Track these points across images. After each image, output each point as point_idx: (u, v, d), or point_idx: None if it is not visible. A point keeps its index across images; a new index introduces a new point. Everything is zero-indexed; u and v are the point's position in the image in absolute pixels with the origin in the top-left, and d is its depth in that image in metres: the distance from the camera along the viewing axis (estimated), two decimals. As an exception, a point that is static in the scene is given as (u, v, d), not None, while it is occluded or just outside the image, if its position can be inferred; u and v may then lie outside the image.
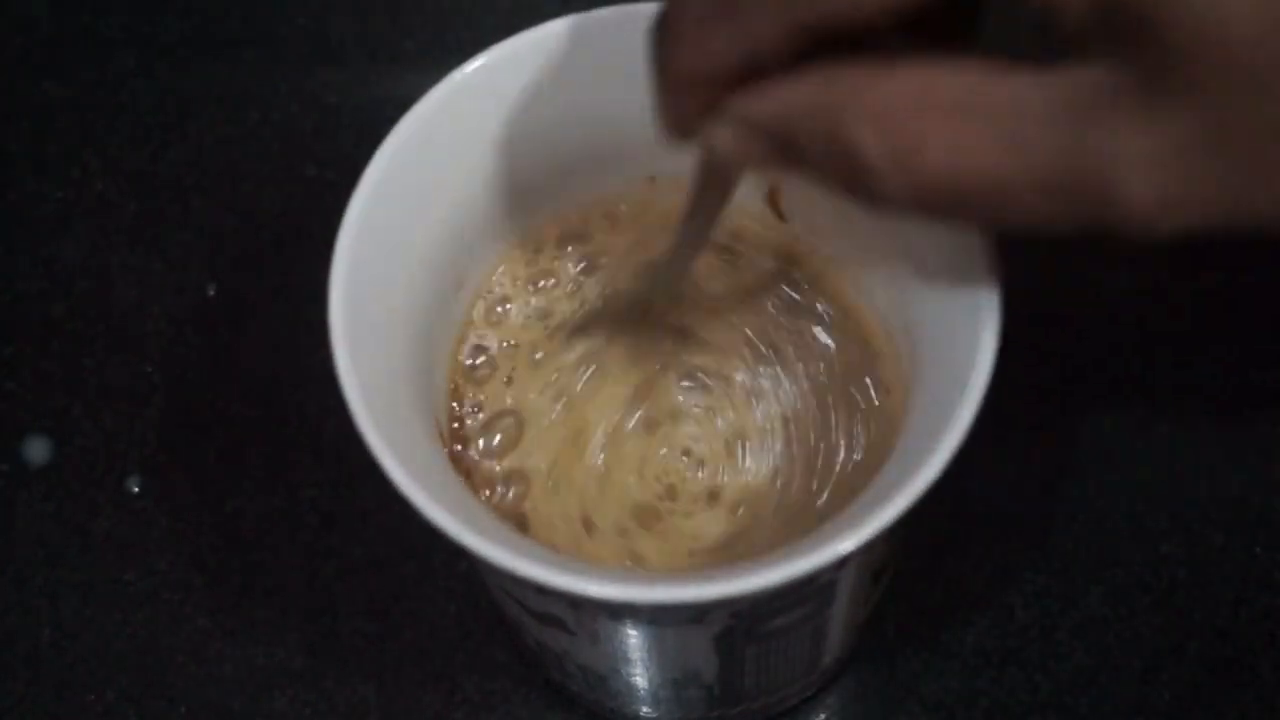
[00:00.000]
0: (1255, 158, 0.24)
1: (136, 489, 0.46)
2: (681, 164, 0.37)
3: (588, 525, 0.37)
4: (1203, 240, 0.26)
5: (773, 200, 0.39)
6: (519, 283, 0.39)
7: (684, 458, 0.39)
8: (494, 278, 0.39)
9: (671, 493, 0.38)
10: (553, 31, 0.35)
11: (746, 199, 0.39)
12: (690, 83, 0.28)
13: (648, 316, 0.39)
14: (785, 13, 0.26)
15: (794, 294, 0.40)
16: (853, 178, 0.27)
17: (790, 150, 0.28)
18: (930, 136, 0.26)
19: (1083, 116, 0.25)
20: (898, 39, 0.27)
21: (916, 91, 0.26)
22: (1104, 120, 0.25)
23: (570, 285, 0.40)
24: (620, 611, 0.33)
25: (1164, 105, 0.24)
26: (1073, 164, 0.25)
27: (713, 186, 0.33)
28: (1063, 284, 0.47)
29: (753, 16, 0.27)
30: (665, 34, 0.29)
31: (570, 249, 0.40)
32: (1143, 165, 0.25)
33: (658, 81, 0.29)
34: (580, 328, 0.39)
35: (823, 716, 0.43)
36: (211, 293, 0.49)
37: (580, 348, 0.39)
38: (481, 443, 0.38)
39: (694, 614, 0.32)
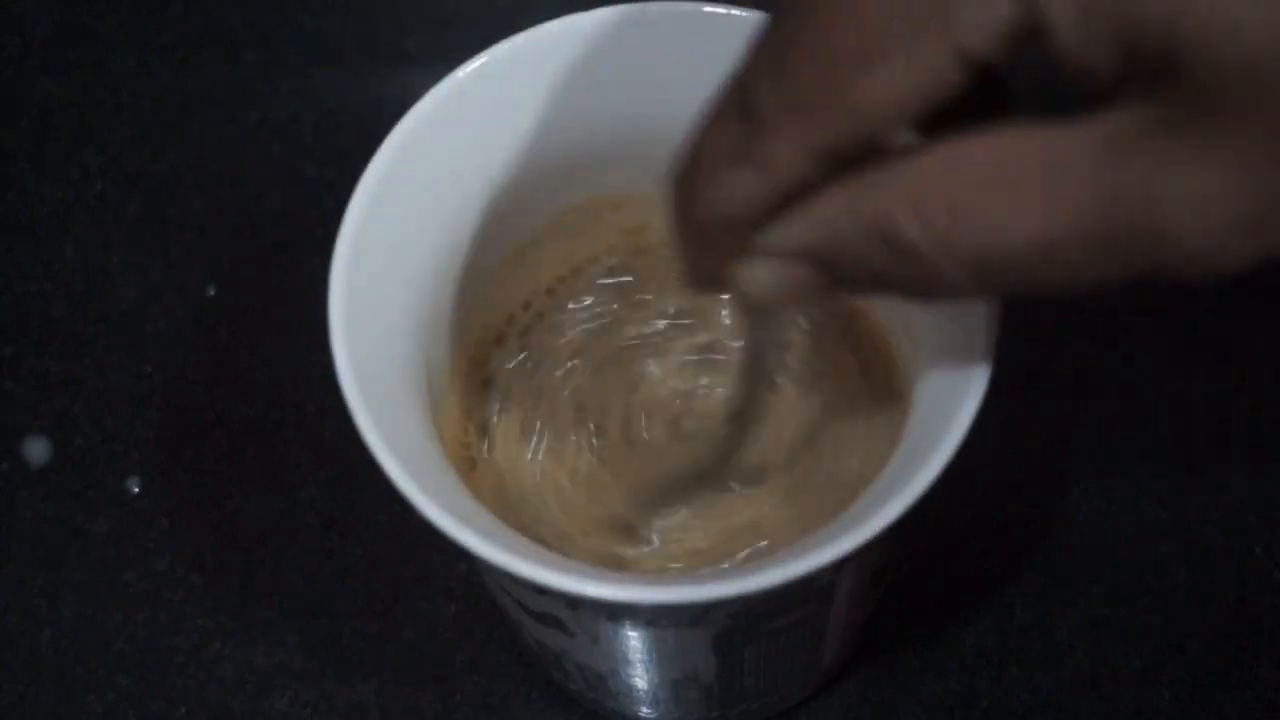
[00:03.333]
0: None
1: (136, 489, 0.46)
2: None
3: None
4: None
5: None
6: (519, 280, 0.39)
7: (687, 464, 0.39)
8: (494, 275, 0.39)
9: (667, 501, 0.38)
10: (553, 31, 0.35)
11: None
12: (719, 229, 0.27)
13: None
14: (808, 138, 0.25)
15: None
16: (901, 269, 0.26)
17: (834, 263, 0.27)
18: (966, 205, 0.25)
19: (1123, 160, 0.24)
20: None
21: (946, 164, 0.25)
22: (1146, 160, 0.24)
23: (567, 283, 0.40)
24: (618, 612, 0.33)
25: (1207, 137, 0.23)
26: (1120, 211, 0.24)
27: (762, 325, 0.33)
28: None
29: (776, 150, 0.26)
30: (689, 181, 0.28)
31: (568, 248, 0.40)
32: (1194, 201, 0.23)
33: (682, 234, 0.28)
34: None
35: (822, 716, 0.43)
36: (211, 293, 0.49)
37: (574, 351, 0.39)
38: (484, 441, 0.38)
39: (692, 615, 0.32)
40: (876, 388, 0.39)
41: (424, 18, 0.53)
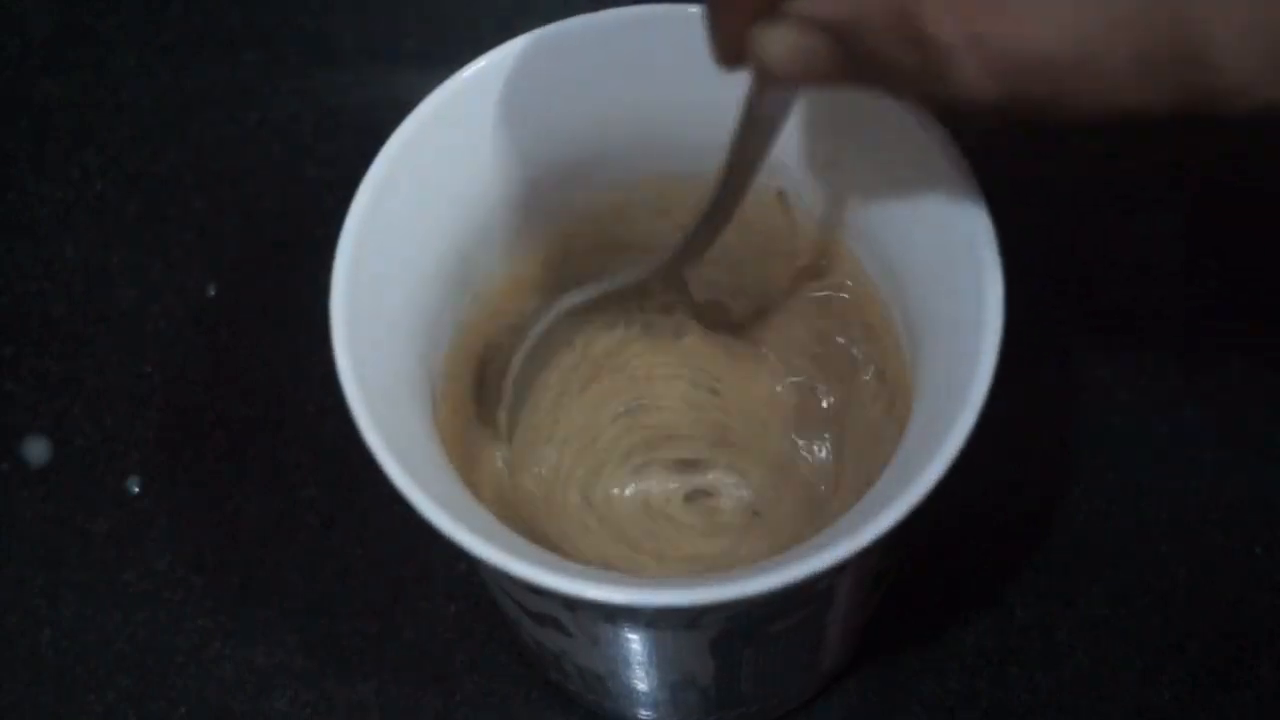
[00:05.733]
0: None
1: (136, 489, 0.46)
2: (678, 164, 0.37)
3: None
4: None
5: (778, 194, 0.38)
6: (519, 282, 0.39)
7: (689, 466, 0.39)
8: (495, 277, 0.39)
9: (674, 499, 0.38)
10: (554, 33, 0.35)
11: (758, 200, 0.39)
12: None
13: (647, 303, 0.39)
14: None
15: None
16: (928, 69, 0.25)
17: (854, 45, 0.25)
18: (1003, 5, 0.24)
19: None
20: None
21: None
22: None
23: (566, 284, 0.40)
24: (616, 614, 0.33)
25: None
26: (1166, 24, 0.23)
27: (755, 130, 0.30)
28: (1063, 285, 0.47)
29: None
30: None
31: (569, 248, 0.40)
32: (1243, 26, 0.23)
33: None
34: (582, 311, 0.38)
35: (822, 716, 0.43)
36: (211, 293, 0.49)
37: (581, 343, 0.39)
38: (483, 440, 0.38)
39: (690, 618, 0.32)
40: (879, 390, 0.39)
41: (424, 18, 0.53)
